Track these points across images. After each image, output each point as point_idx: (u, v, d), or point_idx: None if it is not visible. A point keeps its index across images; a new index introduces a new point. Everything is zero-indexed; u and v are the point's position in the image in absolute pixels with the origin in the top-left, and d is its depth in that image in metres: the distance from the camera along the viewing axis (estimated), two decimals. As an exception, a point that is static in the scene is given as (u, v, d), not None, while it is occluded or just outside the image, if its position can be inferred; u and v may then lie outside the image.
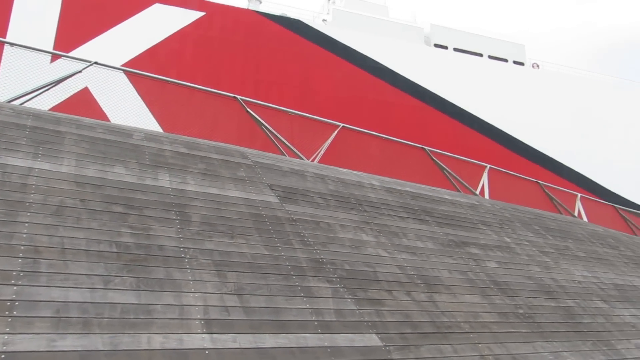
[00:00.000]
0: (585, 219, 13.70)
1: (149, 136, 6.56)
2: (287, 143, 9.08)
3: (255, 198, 6.08)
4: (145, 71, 9.64)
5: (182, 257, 4.59)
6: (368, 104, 23.26)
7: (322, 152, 9.48)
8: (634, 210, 18.31)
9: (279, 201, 6.24)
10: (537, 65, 29.61)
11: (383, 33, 25.20)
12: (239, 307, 4.30)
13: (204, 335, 3.86)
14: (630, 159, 27.97)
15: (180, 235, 4.88)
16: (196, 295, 4.23)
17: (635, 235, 14.78)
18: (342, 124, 10.29)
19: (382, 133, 11.61)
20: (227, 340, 3.92)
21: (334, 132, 10.17)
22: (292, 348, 4.13)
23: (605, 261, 9.49)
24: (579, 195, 14.59)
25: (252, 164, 6.89)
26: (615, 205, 16.77)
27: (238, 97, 9.23)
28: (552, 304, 6.90)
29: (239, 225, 5.43)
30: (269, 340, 4.09)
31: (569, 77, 29.27)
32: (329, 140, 9.80)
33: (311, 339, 4.31)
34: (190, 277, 4.40)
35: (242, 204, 5.85)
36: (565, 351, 5.90)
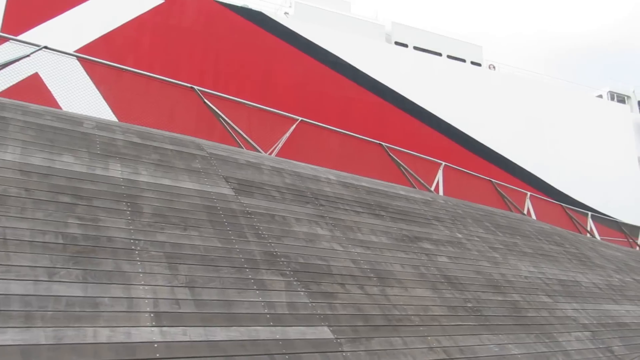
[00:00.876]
0: (533, 216, 14.19)
1: (101, 125, 6.38)
2: (244, 135, 9.01)
3: (210, 190, 6.01)
4: (100, 58, 9.33)
5: (132, 249, 4.50)
6: (328, 99, 23.32)
7: (279, 145, 9.46)
8: (579, 209, 19.09)
9: (234, 194, 6.20)
10: (494, 67, 30.38)
11: (345, 29, 25.30)
12: (190, 300, 4.25)
13: (153, 329, 3.80)
14: (578, 160, 29.11)
15: (131, 227, 4.78)
16: (146, 287, 4.16)
17: (580, 233, 15.42)
18: (301, 118, 10.28)
19: (342, 128, 11.67)
20: (177, 334, 3.88)
21: (292, 125, 10.15)
22: (244, 341, 4.12)
23: (550, 257, 9.87)
24: (529, 194, 15.10)
25: (207, 155, 6.81)
26: (562, 204, 17.44)
27: (195, 87, 9.08)
28: (500, 298, 7.13)
29: (192, 217, 5.36)
30: (220, 333, 4.07)
31: (523, 80, 30.17)
32: (287, 134, 9.78)
33: (263, 332, 4.31)
34: (140, 270, 4.32)
35: (196, 195, 5.77)
36: (510, 343, 6.12)
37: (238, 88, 20.65)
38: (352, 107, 23.59)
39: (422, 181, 11.41)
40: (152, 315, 3.91)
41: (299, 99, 21.81)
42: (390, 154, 11.51)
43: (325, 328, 4.74)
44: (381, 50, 25.87)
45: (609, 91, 35.26)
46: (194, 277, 4.51)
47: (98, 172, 5.35)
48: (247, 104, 10.40)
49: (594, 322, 7.98)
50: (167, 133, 7.07)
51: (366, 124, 21.86)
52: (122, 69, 9.38)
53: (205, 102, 9.07)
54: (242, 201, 6.11)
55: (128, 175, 5.55)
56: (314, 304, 4.97)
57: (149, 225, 4.91)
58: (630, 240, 19.41)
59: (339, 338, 4.69)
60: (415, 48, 27.30)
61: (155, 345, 3.67)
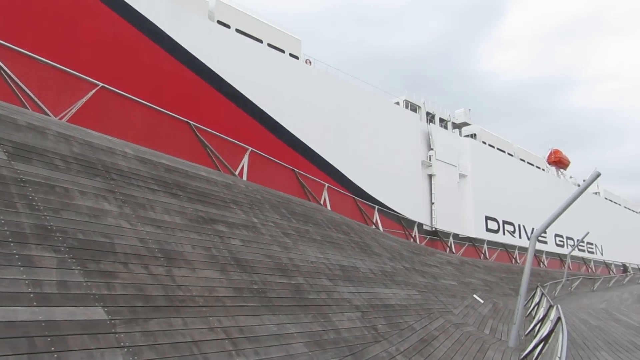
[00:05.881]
0: (329, 206, 15.30)
1: None
2: (30, 94, 8.01)
3: (-25, 152, 5.23)
4: None
5: None
6: (140, 69, 21.91)
7: (73, 110, 8.63)
8: (369, 202, 21.16)
9: (6, 158, 5.48)
10: (310, 62, 31.81)
11: (166, -3, 23.99)
12: None
13: None
14: (373, 157, 32.16)
15: None
16: None
17: (366, 224, 17.10)
18: (101, 84, 9.50)
19: (152, 102, 11.06)
20: None
21: (91, 91, 9.34)
22: (-4, 323, 3.69)
23: (336, 245, 10.76)
24: (327, 185, 16.23)
25: (-23, 111, 5.90)
26: (354, 197, 19.12)
27: (-29, 31, 7.78)
28: (285, 281, 7.55)
29: (-54, 181, 4.61)
30: (-35, 315, 3.59)
31: (335, 78, 32.19)
32: (84, 99, 8.97)
33: (22, 313, 3.91)
34: None
35: (-45, 156, 4.97)
36: (289, 323, 6.53)
37: (35, 41, 18.27)
38: (165, 80, 22.53)
39: (226, 164, 11.47)
40: None
41: (106, 63, 20.08)
42: (197, 133, 11.33)
43: (99, 309, 4.49)
44: (203, 27, 25.17)
45: (405, 99, 39.69)
46: (-61, 250, 3.89)
47: None
48: (39, 60, 9.25)
49: (365, 303, 8.94)
50: None
51: (179, 101, 21.10)
52: None
53: (-18, 50, 7.85)
54: (15, 167, 5.43)
55: None
56: (89, 284, 4.67)
57: None
58: (407, 232, 22.19)
59: (113, 319, 4.48)
60: (238, 31, 27.17)
61: None
